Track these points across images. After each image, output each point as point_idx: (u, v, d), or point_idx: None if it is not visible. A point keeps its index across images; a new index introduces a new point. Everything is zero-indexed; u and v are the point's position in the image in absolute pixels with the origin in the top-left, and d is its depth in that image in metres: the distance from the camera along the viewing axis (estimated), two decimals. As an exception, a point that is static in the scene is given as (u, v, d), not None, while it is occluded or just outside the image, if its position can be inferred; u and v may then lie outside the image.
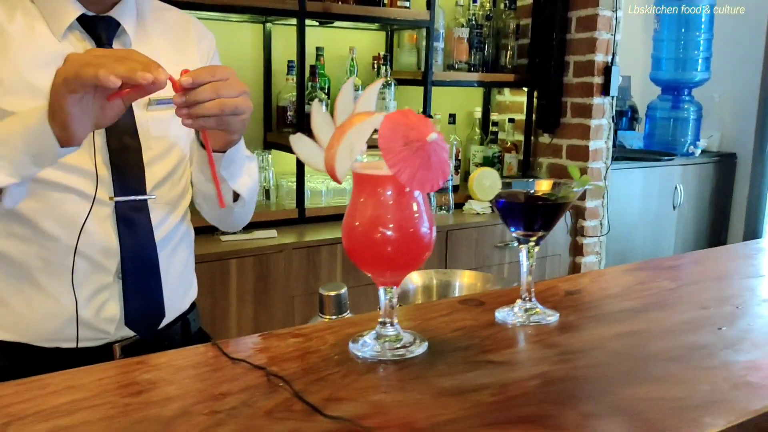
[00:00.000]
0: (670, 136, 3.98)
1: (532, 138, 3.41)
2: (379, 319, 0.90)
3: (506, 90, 3.51)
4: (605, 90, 3.14)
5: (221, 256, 2.31)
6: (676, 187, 3.79)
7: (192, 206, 1.30)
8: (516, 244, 1.02)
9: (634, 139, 4.10)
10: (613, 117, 3.25)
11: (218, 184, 1.04)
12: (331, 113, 0.83)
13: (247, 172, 1.24)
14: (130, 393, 0.76)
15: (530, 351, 0.92)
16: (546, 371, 0.83)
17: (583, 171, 3.18)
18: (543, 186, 1.01)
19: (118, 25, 1.15)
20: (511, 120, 3.44)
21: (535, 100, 3.33)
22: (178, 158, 1.22)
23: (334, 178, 0.83)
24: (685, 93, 4.01)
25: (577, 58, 3.19)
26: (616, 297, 1.14)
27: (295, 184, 2.69)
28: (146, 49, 0.99)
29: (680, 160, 3.83)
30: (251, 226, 2.50)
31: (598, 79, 3.13)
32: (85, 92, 0.91)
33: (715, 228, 4.12)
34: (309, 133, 0.85)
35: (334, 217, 2.73)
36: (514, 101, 3.49)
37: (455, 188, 3.12)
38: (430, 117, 2.99)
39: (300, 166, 2.67)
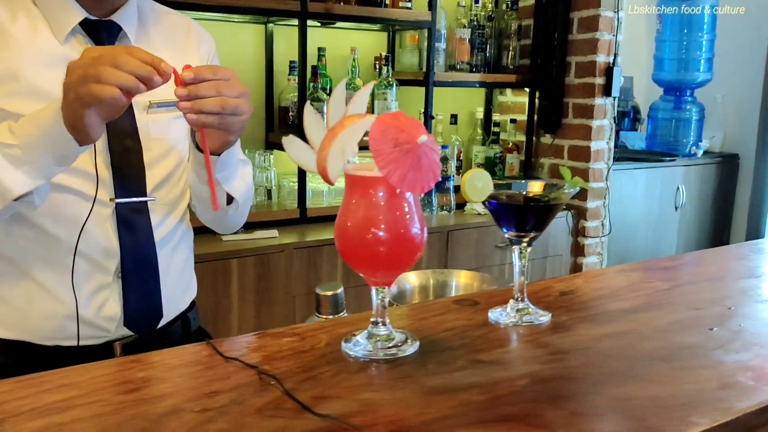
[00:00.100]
0: (673, 136, 3.98)
1: (534, 138, 3.42)
2: (372, 319, 0.91)
3: (508, 90, 3.52)
4: (607, 91, 3.14)
5: (223, 256, 2.33)
6: (678, 188, 3.79)
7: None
8: (509, 244, 1.03)
9: (637, 140, 4.10)
10: (614, 118, 3.25)
11: (213, 186, 1.06)
12: None
13: (242, 176, 1.25)
14: (123, 391, 0.77)
15: (520, 351, 0.92)
16: (535, 371, 0.84)
17: (585, 172, 3.19)
18: (535, 187, 1.02)
19: (120, 29, 1.16)
20: (512, 120, 3.44)
21: (536, 100, 3.33)
22: (177, 160, 1.24)
23: (327, 180, 0.84)
24: (688, 94, 4.01)
25: (578, 59, 3.19)
26: (609, 297, 1.15)
27: (296, 184, 2.71)
28: None
29: (682, 160, 3.83)
30: (252, 226, 2.52)
31: (599, 80, 3.13)
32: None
33: (718, 229, 4.11)
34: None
35: (335, 218, 2.73)
36: (516, 102, 3.49)
37: (457, 188, 3.13)
38: (432, 117, 2.99)
39: (301, 166, 2.68)
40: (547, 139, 3.37)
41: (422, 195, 2.97)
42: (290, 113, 2.71)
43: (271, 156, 2.73)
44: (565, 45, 3.22)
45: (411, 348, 0.89)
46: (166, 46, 1.22)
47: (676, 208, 3.81)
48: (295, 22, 2.59)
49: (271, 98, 2.82)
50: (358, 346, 0.89)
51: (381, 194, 0.84)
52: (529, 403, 0.75)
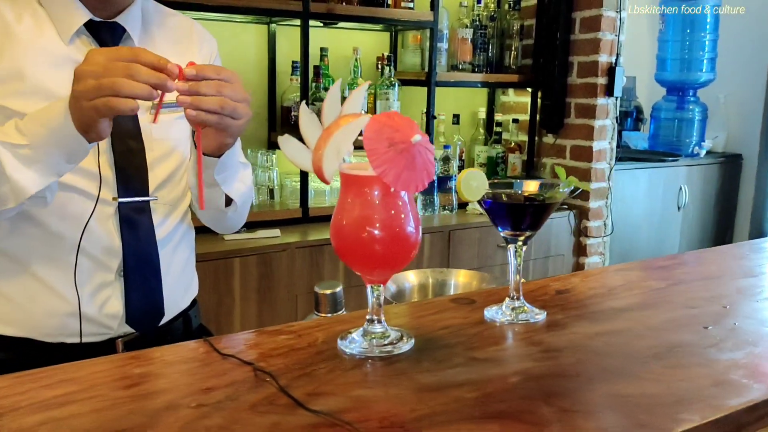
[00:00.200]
0: (675, 136, 3.98)
1: (536, 138, 3.42)
2: (367, 317, 0.91)
3: (510, 90, 3.52)
4: (609, 91, 3.14)
5: (225, 255, 2.34)
6: (680, 188, 3.79)
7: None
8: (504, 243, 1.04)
9: (639, 140, 4.10)
10: (617, 117, 3.25)
11: (201, 184, 1.07)
12: None
13: (241, 178, 1.27)
14: (120, 386, 0.78)
15: (514, 348, 0.93)
16: (528, 368, 0.85)
17: (587, 172, 3.19)
18: (530, 186, 1.03)
19: (124, 30, 1.18)
20: (515, 120, 3.45)
21: (539, 100, 3.34)
22: (179, 160, 1.25)
23: (322, 179, 0.85)
24: (690, 94, 4.00)
25: (581, 59, 3.19)
26: (604, 296, 1.15)
27: (299, 183, 2.72)
28: None
29: (685, 160, 3.83)
30: (255, 226, 2.53)
31: (602, 80, 3.13)
32: None
33: (720, 229, 4.11)
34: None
35: (336, 217, 2.75)
36: (518, 102, 3.50)
37: (458, 188, 3.13)
38: (434, 117, 3.00)
39: (303, 165, 2.69)
40: (549, 139, 3.37)
41: (423, 195, 2.97)
42: (292, 113, 2.72)
43: (274, 156, 2.74)
44: (567, 45, 3.22)
45: (406, 345, 0.90)
46: (168, 47, 1.24)
47: (678, 208, 3.81)
48: (298, 22, 2.60)
49: (273, 98, 2.83)
50: (354, 343, 0.90)
51: (376, 193, 0.85)
52: (521, 399, 0.76)
